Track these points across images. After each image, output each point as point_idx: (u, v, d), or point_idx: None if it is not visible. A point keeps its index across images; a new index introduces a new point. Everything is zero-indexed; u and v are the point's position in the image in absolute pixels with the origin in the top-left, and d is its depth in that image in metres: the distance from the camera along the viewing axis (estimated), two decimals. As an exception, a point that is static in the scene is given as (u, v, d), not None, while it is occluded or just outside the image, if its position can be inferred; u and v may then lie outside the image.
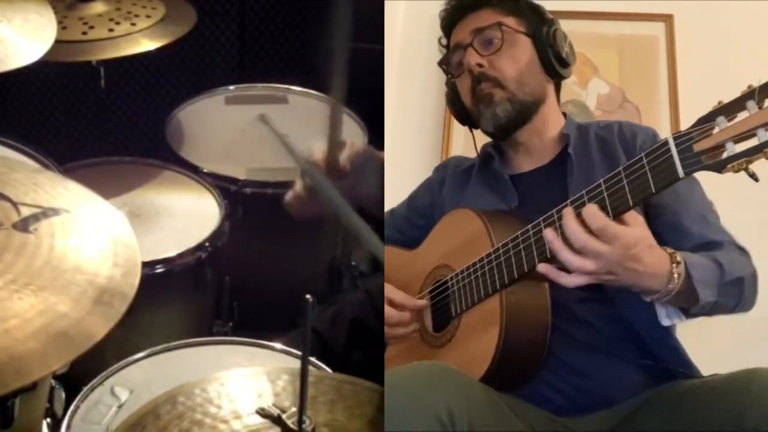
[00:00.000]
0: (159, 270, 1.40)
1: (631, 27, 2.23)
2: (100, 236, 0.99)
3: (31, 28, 1.43)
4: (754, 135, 0.88)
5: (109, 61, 1.66)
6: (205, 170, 1.63)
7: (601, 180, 1.02)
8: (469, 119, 1.39)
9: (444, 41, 1.40)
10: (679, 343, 1.19)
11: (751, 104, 0.89)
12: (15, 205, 0.99)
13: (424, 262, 1.34)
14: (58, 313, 0.85)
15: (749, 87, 0.90)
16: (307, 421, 0.86)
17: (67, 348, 0.82)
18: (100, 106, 1.88)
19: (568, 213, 1.02)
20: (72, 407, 1.09)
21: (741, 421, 0.93)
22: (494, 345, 1.10)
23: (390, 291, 1.28)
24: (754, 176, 0.90)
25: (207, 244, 1.47)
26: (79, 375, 1.08)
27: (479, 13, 1.32)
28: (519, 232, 1.13)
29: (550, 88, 1.34)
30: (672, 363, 1.15)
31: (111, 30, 1.64)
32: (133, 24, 1.66)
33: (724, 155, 0.91)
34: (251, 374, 0.97)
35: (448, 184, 1.43)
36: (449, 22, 1.37)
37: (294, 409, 0.88)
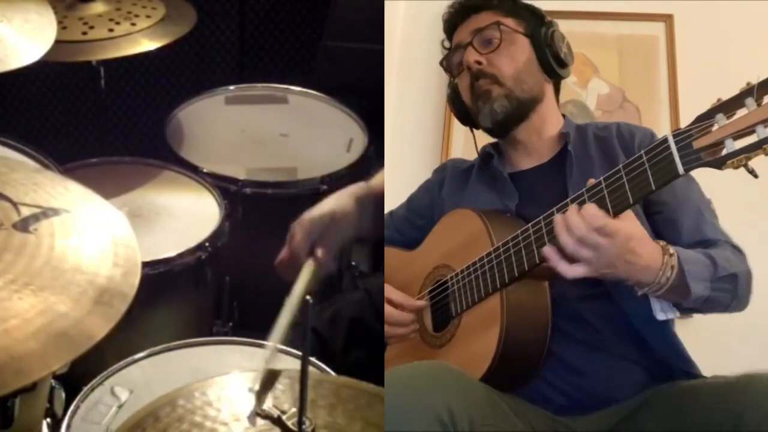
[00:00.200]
0: (159, 270, 1.40)
1: (631, 27, 2.24)
2: (100, 236, 0.99)
3: (31, 28, 1.43)
4: (753, 132, 0.89)
5: (109, 61, 1.66)
6: (205, 170, 1.62)
7: (602, 178, 1.03)
8: (469, 119, 1.40)
9: (447, 43, 1.42)
10: (677, 338, 1.19)
11: (749, 101, 0.89)
12: (15, 205, 0.99)
13: (423, 262, 1.34)
14: (58, 313, 0.85)
15: (748, 84, 0.90)
16: (307, 422, 0.86)
17: (67, 348, 0.82)
18: (100, 106, 1.88)
19: (573, 207, 1.03)
20: (72, 407, 1.09)
21: (740, 422, 0.93)
22: (495, 344, 1.10)
23: (389, 291, 1.29)
24: (753, 172, 0.91)
25: (207, 244, 1.47)
26: (79, 375, 1.08)
27: (480, 15, 1.35)
28: (519, 231, 1.13)
29: (549, 88, 1.35)
30: (671, 359, 1.16)
31: (111, 30, 1.64)
32: (133, 24, 1.66)
33: (724, 152, 0.92)
34: (251, 377, 0.97)
35: (447, 185, 1.44)
36: (451, 24, 1.40)
37: (294, 410, 0.88)
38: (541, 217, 1.10)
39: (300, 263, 1.23)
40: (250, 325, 1.56)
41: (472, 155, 1.47)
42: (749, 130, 0.89)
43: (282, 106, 1.90)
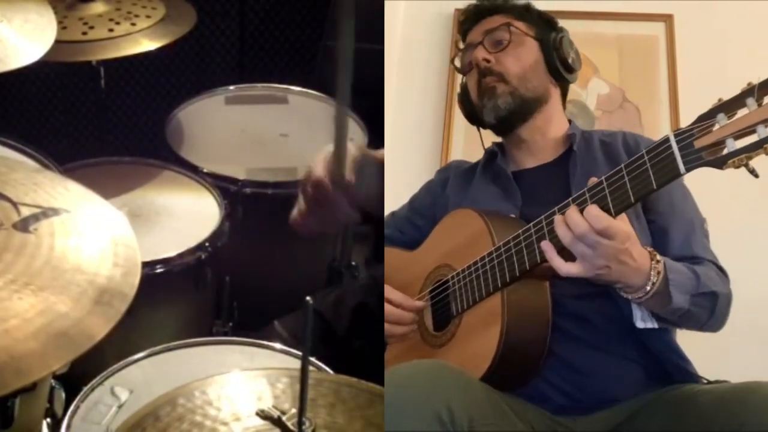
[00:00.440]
0: (159, 270, 1.40)
1: (631, 27, 2.24)
2: (100, 236, 0.99)
3: (31, 28, 1.43)
4: (753, 131, 0.89)
5: (109, 61, 1.66)
6: (205, 170, 1.62)
7: (603, 177, 1.03)
8: (477, 118, 1.42)
9: (461, 45, 1.46)
10: (674, 338, 1.20)
11: (750, 101, 0.90)
12: (15, 205, 0.99)
13: (424, 262, 1.34)
14: (58, 313, 0.85)
15: (749, 84, 0.90)
16: (307, 423, 0.86)
17: (67, 348, 0.82)
18: (100, 106, 1.88)
19: (573, 207, 1.04)
20: (72, 407, 1.09)
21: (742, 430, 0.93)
22: (495, 344, 1.10)
23: (389, 292, 1.29)
24: (753, 172, 0.91)
25: (207, 244, 1.47)
26: (79, 375, 1.08)
27: (493, 17, 1.39)
28: (521, 230, 1.13)
29: (555, 92, 1.38)
30: (668, 358, 1.16)
31: (111, 30, 1.64)
32: (133, 24, 1.66)
33: (725, 151, 0.92)
34: (251, 376, 0.97)
35: (451, 184, 1.46)
36: (466, 25, 1.44)
37: (294, 410, 0.88)
38: (542, 216, 1.11)
39: (328, 199, 1.11)
40: (250, 325, 1.56)
41: (472, 156, 1.48)
42: (750, 130, 0.89)
43: (282, 106, 1.90)
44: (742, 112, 0.91)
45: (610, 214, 1.01)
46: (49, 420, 1.05)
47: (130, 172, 1.63)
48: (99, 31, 1.63)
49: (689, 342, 1.22)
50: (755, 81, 0.90)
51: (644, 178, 0.99)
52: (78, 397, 1.11)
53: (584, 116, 2.16)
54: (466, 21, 1.44)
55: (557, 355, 1.15)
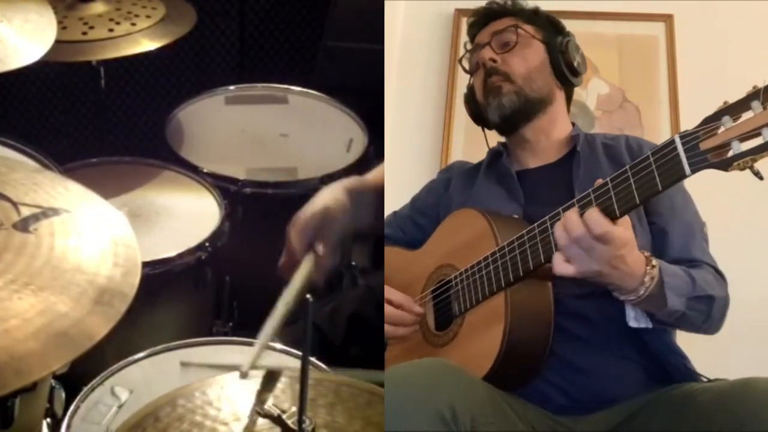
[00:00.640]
0: (159, 270, 1.40)
1: (631, 27, 2.24)
2: (100, 236, 0.99)
3: (31, 28, 1.43)
4: (759, 134, 0.89)
5: (109, 61, 1.66)
6: (205, 170, 1.62)
7: (608, 178, 1.03)
8: (482, 118, 1.43)
9: (469, 46, 1.47)
10: (673, 338, 1.20)
11: (755, 104, 0.90)
12: (15, 205, 0.99)
13: (426, 261, 1.34)
14: (58, 313, 0.85)
15: (754, 87, 0.90)
16: (307, 421, 0.86)
17: (67, 348, 0.82)
18: (100, 106, 1.88)
19: (573, 209, 1.04)
20: (72, 407, 1.08)
21: (742, 429, 0.93)
22: (498, 343, 1.10)
23: (389, 292, 1.29)
24: (758, 174, 0.91)
25: (207, 244, 1.47)
26: (79, 375, 1.08)
27: (502, 19, 1.41)
28: (525, 231, 1.13)
29: (560, 95, 1.40)
30: (668, 358, 1.16)
31: (111, 30, 1.63)
32: (133, 24, 1.66)
33: (730, 153, 0.92)
34: (251, 376, 0.97)
35: (454, 183, 1.46)
36: (475, 28, 1.46)
37: (294, 409, 0.88)
38: (547, 216, 1.10)
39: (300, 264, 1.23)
40: (250, 325, 1.55)
41: (472, 156, 1.48)
42: (755, 133, 0.89)
43: (282, 106, 1.90)
44: (747, 115, 0.91)
45: (614, 214, 1.01)
46: (49, 420, 1.05)
47: (130, 172, 1.63)
48: (99, 31, 1.63)
49: (689, 342, 1.22)
50: (756, 82, 0.90)
51: (649, 179, 0.99)
52: (78, 397, 1.11)
53: (584, 116, 2.16)
54: (475, 23, 1.46)
55: (558, 354, 1.15)
